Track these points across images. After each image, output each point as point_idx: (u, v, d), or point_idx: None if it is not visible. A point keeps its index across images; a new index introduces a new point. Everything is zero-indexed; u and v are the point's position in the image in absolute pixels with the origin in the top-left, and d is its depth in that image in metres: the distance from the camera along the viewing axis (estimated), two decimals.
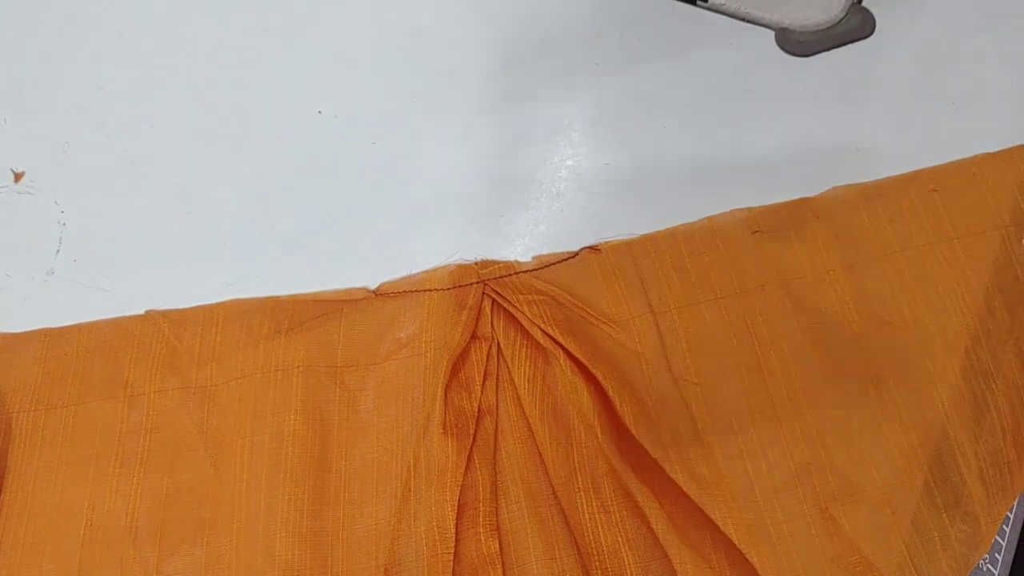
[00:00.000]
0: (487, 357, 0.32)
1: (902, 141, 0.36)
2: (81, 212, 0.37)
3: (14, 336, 0.34)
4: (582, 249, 0.34)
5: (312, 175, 0.37)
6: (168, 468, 0.32)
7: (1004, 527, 0.31)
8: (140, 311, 0.34)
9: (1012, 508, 0.31)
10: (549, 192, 0.36)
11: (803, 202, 0.35)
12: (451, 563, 0.29)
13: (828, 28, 0.38)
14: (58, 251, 0.36)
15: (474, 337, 0.32)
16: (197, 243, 0.36)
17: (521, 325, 0.32)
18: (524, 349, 0.32)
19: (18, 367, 0.33)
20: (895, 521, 0.30)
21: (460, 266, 0.34)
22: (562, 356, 0.31)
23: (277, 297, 0.34)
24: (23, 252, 0.36)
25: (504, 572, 0.30)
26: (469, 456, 0.31)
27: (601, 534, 0.30)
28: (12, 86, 0.39)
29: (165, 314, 0.34)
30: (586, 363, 0.31)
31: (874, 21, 0.38)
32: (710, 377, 0.32)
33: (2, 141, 0.38)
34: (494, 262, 0.34)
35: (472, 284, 0.34)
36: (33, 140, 0.38)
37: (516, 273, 0.34)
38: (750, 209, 0.35)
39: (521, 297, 0.33)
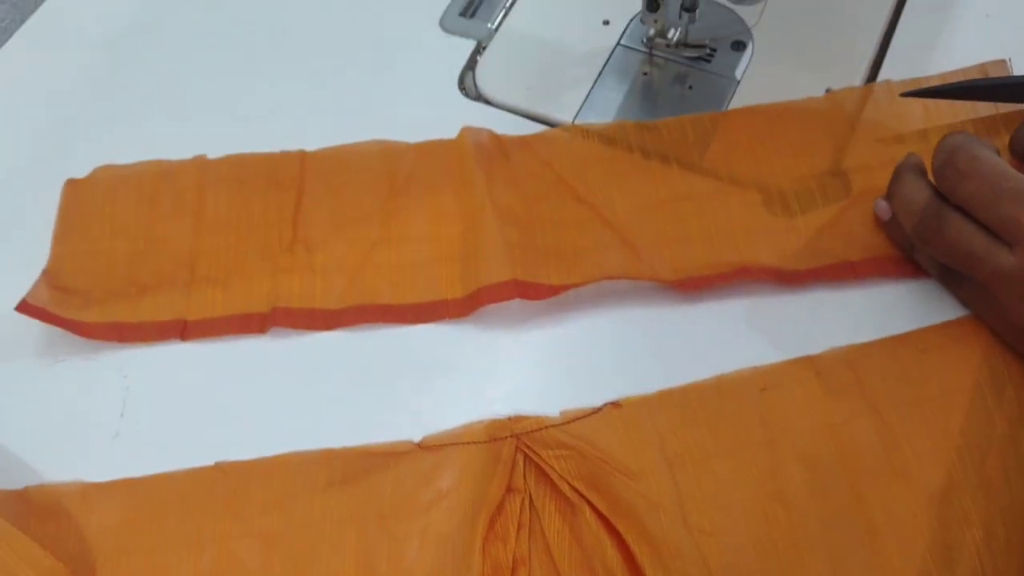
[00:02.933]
0: (520, 509, 0.36)
1: None
2: (143, 378, 0.41)
3: (96, 486, 0.38)
4: (605, 404, 0.38)
5: (341, 340, 0.42)
6: None
7: None
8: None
9: None
10: (561, 350, 0.40)
11: (806, 360, 0.39)
12: None
13: None
14: (122, 414, 0.40)
15: (509, 489, 0.36)
16: (247, 405, 0.40)
17: (550, 479, 0.36)
18: (553, 502, 0.36)
19: (100, 515, 0.37)
20: None
21: (494, 421, 0.38)
22: (587, 509, 0.35)
23: (332, 449, 0.38)
24: (90, 416, 0.40)
25: None
26: None
27: None
28: None
29: (234, 465, 0.38)
30: (609, 516, 0.35)
31: None
32: (723, 527, 0.35)
33: None
34: (525, 417, 0.38)
35: (506, 438, 0.37)
36: None
37: (545, 428, 0.37)
38: (755, 368, 0.38)
39: (550, 452, 0.37)
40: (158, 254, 0.44)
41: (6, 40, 0.53)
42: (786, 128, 0.44)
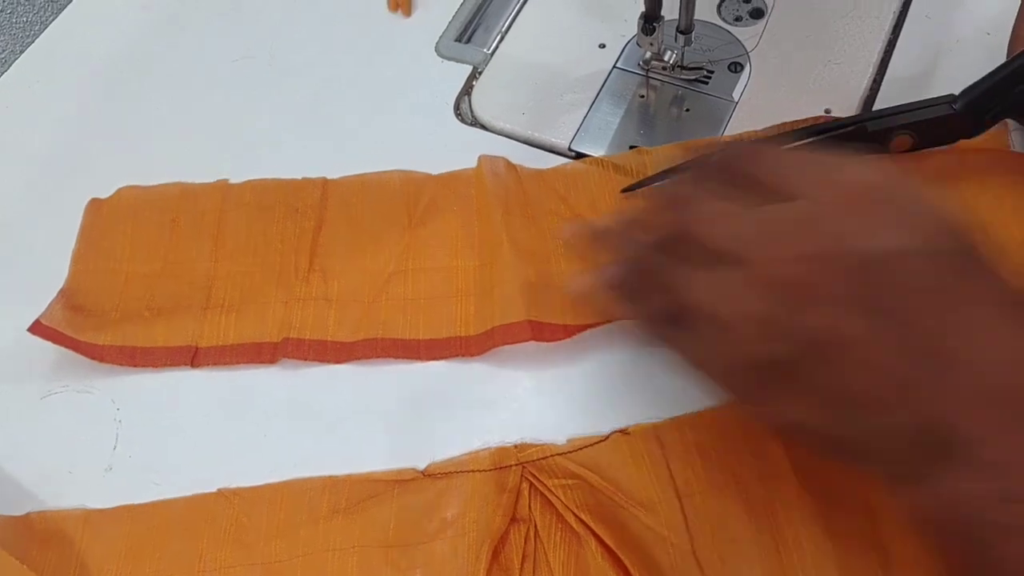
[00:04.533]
0: (525, 540, 0.35)
1: None
2: (136, 410, 0.40)
3: (98, 512, 0.37)
4: (613, 432, 0.37)
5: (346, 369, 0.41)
6: None
7: None
8: None
9: None
10: (569, 379, 0.40)
11: None
12: None
13: None
14: (115, 447, 0.39)
15: (514, 519, 0.35)
16: (244, 434, 0.39)
17: (556, 509, 0.35)
18: (559, 533, 0.35)
19: (103, 541, 0.36)
20: None
21: (500, 448, 0.37)
22: (593, 542, 0.34)
23: (335, 477, 0.37)
24: (83, 449, 0.40)
25: None
26: None
27: None
28: None
29: (236, 492, 0.37)
30: (615, 549, 0.34)
31: None
32: (733, 560, 0.34)
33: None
34: (531, 444, 0.37)
35: (511, 466, 0.37)
36: None
37: (551, 455, 0.37)
38: None
39: (556, 481, 0.36)
40: (175, 277, 0.43)
41: (5, 71, 0.53)
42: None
